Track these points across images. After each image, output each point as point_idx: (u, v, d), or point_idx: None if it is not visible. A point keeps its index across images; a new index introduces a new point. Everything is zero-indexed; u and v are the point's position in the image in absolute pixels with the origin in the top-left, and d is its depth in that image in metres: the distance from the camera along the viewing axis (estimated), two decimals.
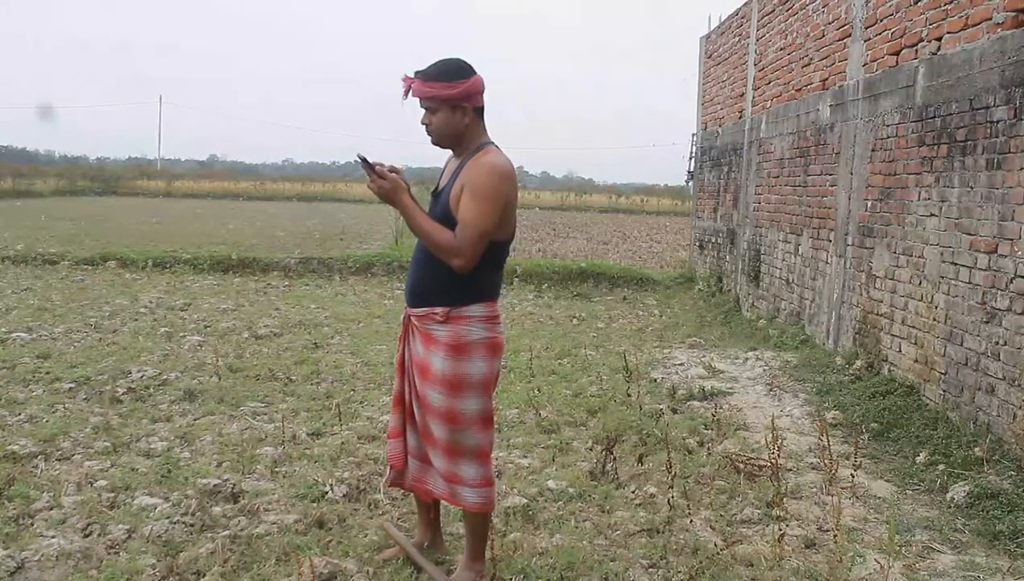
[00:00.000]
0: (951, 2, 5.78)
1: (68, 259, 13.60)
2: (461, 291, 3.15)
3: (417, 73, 3.13)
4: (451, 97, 3.11)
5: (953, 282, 5.58)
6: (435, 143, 3.24)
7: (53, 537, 3.59)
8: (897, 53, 6.65)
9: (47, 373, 6.40)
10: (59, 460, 4.61)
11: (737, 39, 12.23)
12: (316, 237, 19.49)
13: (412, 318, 3.28)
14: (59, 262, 13.43)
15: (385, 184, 3.14)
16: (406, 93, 3.14)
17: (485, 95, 3.22)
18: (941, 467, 4.77)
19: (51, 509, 3.91)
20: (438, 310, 3.15)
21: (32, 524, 3.76)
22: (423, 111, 3.20)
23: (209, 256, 13.93)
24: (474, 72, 3.16)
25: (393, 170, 3.18)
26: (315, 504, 4.08)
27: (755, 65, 11.08)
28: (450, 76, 3.11)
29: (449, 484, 3.25)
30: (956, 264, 5.55)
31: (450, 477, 3.23)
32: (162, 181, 46.26)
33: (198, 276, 13.02)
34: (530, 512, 4.07)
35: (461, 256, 3.05)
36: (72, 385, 6.07)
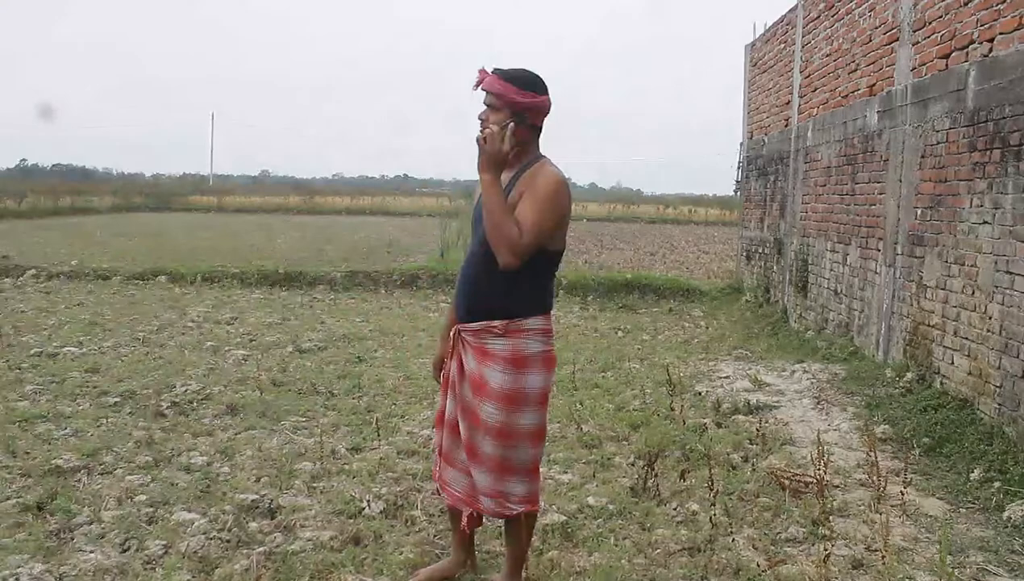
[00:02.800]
0: (1003, 2, 5.61)
1: (120, 274, 13.85)
2: (520, 304, 3.11)
3: (495, 70, 3.12)
4: (518, 104, 3.08)
5: (1008, 292, 5.40)
6: (483, 145, 3.08)
7: (91, 552, 3.61)
8: (947, 56, 6.48)
9: (94, 387, 6.50)
10: (101, 474, 4.65)
11: (782, 46, 12.06)
12: (363, 250, 19.62)
13: (464, 333, 3.22)
14: (111, 277, 13.69)
15: (500, 143, 3.05)
16: (478, 84, 3.12)
17: (547, 119, 3.19)
18: (997, 484, 4.59)
19: (91, 524, 3.95)
20: (496, 323, 3.10)
21: (72, 539, 3.79)
22: (484, 107, 3.15)
23: (256, 270, 14.09)
24: (547, 91, 3.16)
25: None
26: (352, 520, 4.06)
27: (801, 72, 10.91)
28: (525, 84, 3.10)
29: (495, 500, 3.18)
30: (1011, 273, 5.37)
31: (496, 495, 3.17)
32: (214, 197, 47.02)
33: (245, 290, 13.17)
34: (569, 529, 4.01)
35: (516, 254, 2.97)
36: (118, 399, 6.14)
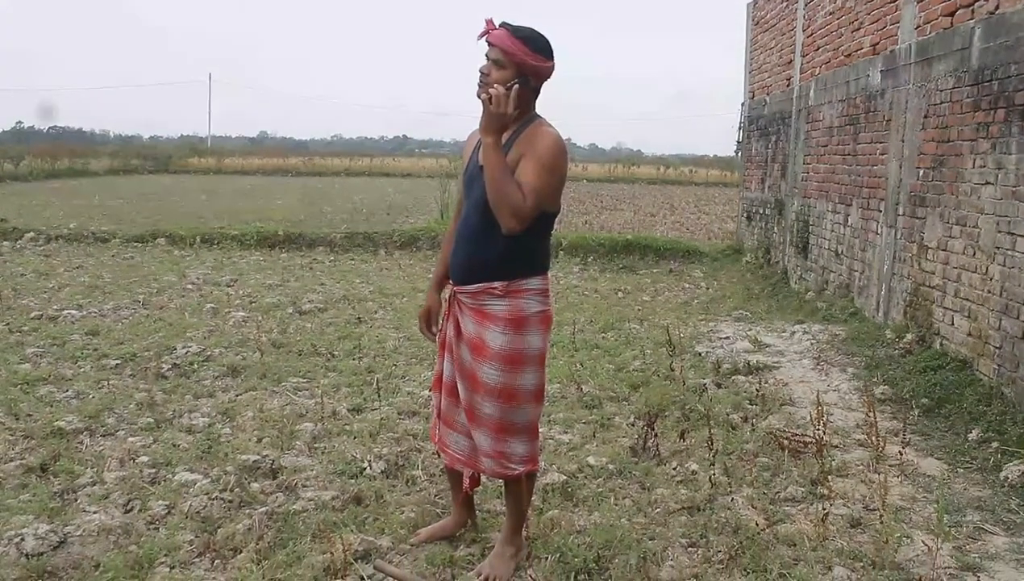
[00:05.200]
0: None
1: (119, 237, 13.82)
2: (520, 264, 3.08)
3: (503, 24, 3.03)
4: (527, 65, 3.01)
5: (1009, 253, 5.38)
6: (487, 105, 2.98)
7: (95, 512, 3.63)
8: (952, 14, 6.40)
9: (95, 350, 6.51)
10: (103, 436, 4.68)
11: (785, 4, 11.92)
12: (363, 212, 19.57)
13: (461, 296, 3.20)
14: (110, 240, 13.66)
15: (505, 105, 2.96)
16: (483, 35, 3.03)
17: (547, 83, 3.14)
18: (995, 445, 4.62)
19: (94, 485, 3.97)
20: (496, 285, 3.07)
21: (76, 499, 3.82)
22: (487, 60, 3.06)
23: (256, 232, 14.05)
24: (553, 56, 3.08)
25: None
26: (353, 480, 4.08)
27: (803, 31, 10.79)
28: (536, 45, 3.02)
29: (496, 461, 3.19)
30: (1013, 234, 5.35)
31: (497, 455, 3.18)
32: (212, 159, 46.72)
33: (245, 252, 13.15)
34: (569, 489, 4.03)
35: (520, 218, 2.94)
36: (119, 361, 6.15)
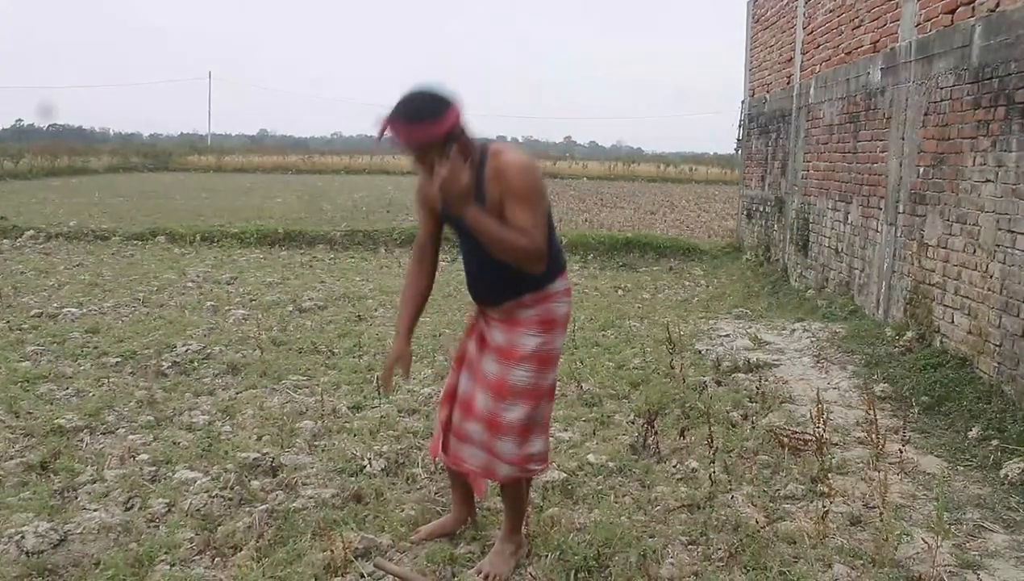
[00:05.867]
0: None
1: (119, 235, 13.81)
2: (545, 272, 3.07)
3: (393, 116, 2.81)
4: (439, 133, 2.81)
5: (1009, 251, 5.38)
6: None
7: (95, 510, 3.64)
8: (952, 12, 6.40)
9: (95, 347, 6.51)
10: (103, 434, 4.68)
11: (785, 2, 11.91)
12: (363, 210, 19.57)
13: (489, 311, 3.19)
14: (110, 238, 13.65)
15: (462, 178, 2.78)
16: (382, 134, 2.83)
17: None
18: (995, 442, 4.62)
19: (94, 482, 3.98)
20: (526, 297, 3.08)
21: (76, 497, 3.82)
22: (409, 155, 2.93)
23: (256, 230, 14.05)
24: (449, 100, 2.85)
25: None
26: (353, 478, 4.08)
27: (804, 29, 10.78)
28: (433, 109, 2.81)
29: (520, 467, 3.19)
30: (1013, 232, 5.35)
31: (521, 461, 3.17)
32: (212, 157, 46.67)
33: (245, 250, 13.15)
34: (569, 487, 4.03)
35: (540, 258, 2.94)
36: (119, 359, 6.15)
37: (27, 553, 3.22)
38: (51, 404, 5.13)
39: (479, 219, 2.87)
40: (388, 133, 2.83)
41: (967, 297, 5.93)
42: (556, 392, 5.44)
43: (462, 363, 3.30)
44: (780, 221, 11.74)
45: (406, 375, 3.28)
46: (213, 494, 3.76)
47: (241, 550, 3.34)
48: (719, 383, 5.94)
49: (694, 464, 4.33)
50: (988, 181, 5.70)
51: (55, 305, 8.14)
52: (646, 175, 41.94)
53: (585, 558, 3.28)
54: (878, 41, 8.05)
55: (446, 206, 2.88)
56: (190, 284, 9.77)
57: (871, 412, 4.54)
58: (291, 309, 8.36)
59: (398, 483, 4.07)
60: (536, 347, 3.10)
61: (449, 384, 3.34)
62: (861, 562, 3.35)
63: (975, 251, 5.85)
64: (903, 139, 7.31)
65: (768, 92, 12.83)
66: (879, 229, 7.83)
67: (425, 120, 2.80)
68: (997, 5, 5.69)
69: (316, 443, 4.59)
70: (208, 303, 8.47)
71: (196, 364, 6.12)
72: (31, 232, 13.70)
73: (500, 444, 3.15)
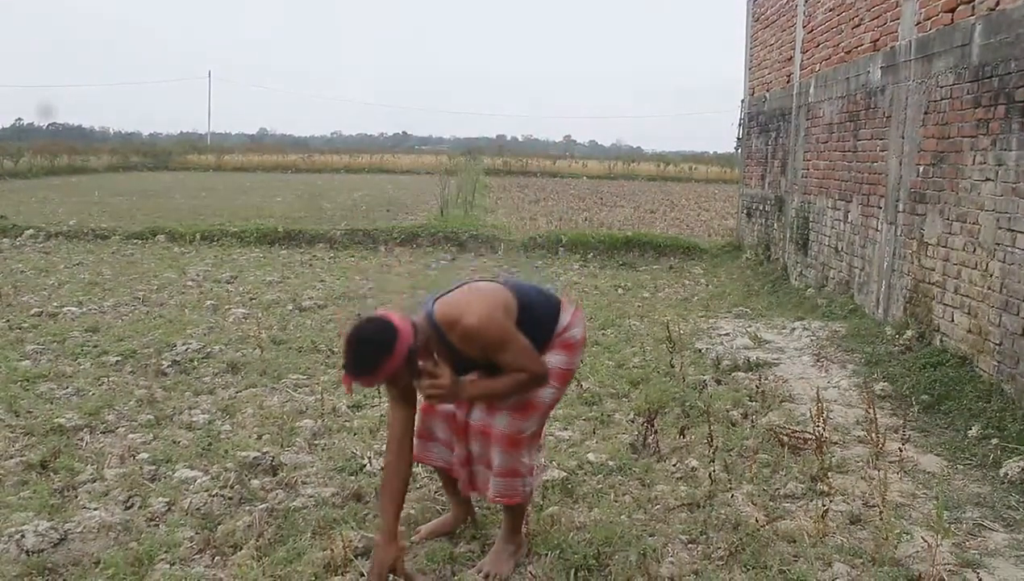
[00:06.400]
0: None
1: (119, 234, 13.81)
2: (543, 331, 3.20)
3: (354, 371, 2.92)
4: (397, 362, 2.90)
5: (1009, 249, 5.38)
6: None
7: (95, 509, 3.64)
8: (952, 10, 6.39)
9: (95, 347, 6.51)
10: (103, 433, 4.68)
11: (785, 0, 11.90)
12: (362, 209, 19.55)
13: None
14: (110, 237, 13.65)
15: (443, 382, 3.02)
16: (350, 388, 3.03)
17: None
18: (994, 441, 4.62)
19: (94, 481, 3.98)
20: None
21: (76, 496, 3.83)
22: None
23: (256, 229, 14.04)
24: (394, 324, 2.93)
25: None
26: (353, 477, 4.09)
27: (804, 27, 10.78)
28: (385, 349, 2.88)
29: (533, 476, 3.30)
30: (1013, 230, 5.35)
31: (531, 471, 3.27)
32: (212, 156, 46.63)
33: (245, 249, 13.14)
34: (569, 486, 4.04)
35: (541, 379, 3.12)
36: (119, 358, 6.15)
37: (27, 552, 3.22)
38: (51, 403, 5.13)
39: (479, 393, 3.13)
40: (360, 384, 2.99)
41: (967, 296, 5.93)
42: None
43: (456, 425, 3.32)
44: (780, 220, 11.74)
45: (402, 573, 3.15)
46: (213, 493, 3.77)
47: (241, 549, 3.34)
48: (719, 382, 5.94)
49: (694, 463, 4.33)
50: (988, 180, 5.70)
51: (55, 304, 8.14)
52: (646, 174, 41.95)
53: (585, 557, 3.28)
54: (878, 40, 8.05)
55: (447, 400, 3.14)
56: (190, 283, 9.77)
57: (871, 411, 4.55)
58: (291, 308, 8.36)
59: None
60: (560, 366, 3.23)
61: (460, 419, 3.30)
62: (861, 561, 3.35)
63: (975, 250, 5.85)
64: (903, 138, 7.31)
65: (768, 91, 12.83)
66: (879, 228, 7.83)
67: (381, 364, 2.90)
68: (997, 4, 5.69)
69: (316, 442, 4.59)
70: (208, 302, 8.47)
71: (196, 363, 6.12)
72: (31, 231, 13.70)
73: (517, 459, 3.20)
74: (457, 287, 3.22)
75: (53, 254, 11.98)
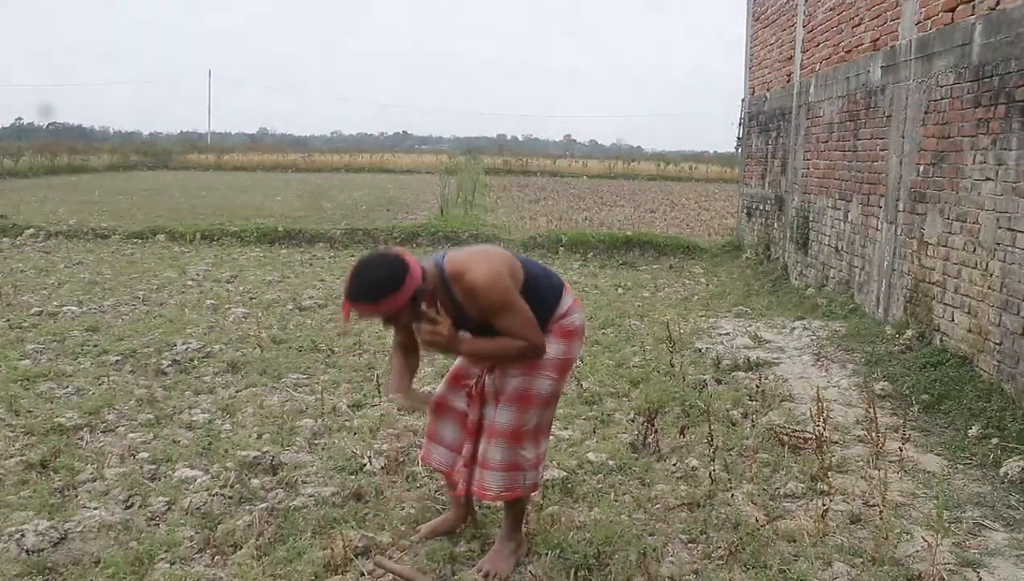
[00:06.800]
0: None
1: (119, 233, 13.81)
2: (545, 310, 3.16)
3: (357, 297, 2.87)
4: (401, 299, 2.86)
5: (1009, 249, 5.38)
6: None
7: (96, 508, 3.64)
8: (953, 10, 6.39)
9: (95, 346, 6.51)
10: (104, 432, 4.68)
11: (785, 0, 11.90)
12: (362, 208, 19.54)
13: None
14: (110, 236, 13.64)
15: (442, 330, 2.95)
16: (348, 317, 2.93)
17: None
18: (994, 441, 4.62)
19: (94, 481, 3.98)
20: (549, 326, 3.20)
21: (76, 495, 3.83)
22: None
23: (256, 228, 14.04)
24: (406, 261, 2.89)
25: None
26: (353, 476, 4.09)
27: (804, 27, 10.78)
28: (394, 282, 2.84)
29: (537, 471, 3.28)
30: (1013, 230, 5.35)
31: (535, 465, 3.26)
32: (212, 155, 46.62)
33: (245, 248, 13.14)
34: (569, 485, 4.04)
35: (538, 349, 3.08)
36: (119, 358, 6.15)
37: (27, 551, 3.22)
38: (51, 402, 5.13)
39: (474, 349, 3.10)
40: (357, 314, 2.92)
41: (967, 295, 5.93)
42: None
43: (481, 397, 3.28)
44: (780, 219, 11.74)
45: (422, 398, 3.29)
46: (213, 492, 3.77)
47: (241, 548, 3.34)
48: (719, 381, 5.94)
49: (694, 462, 4.33)
50: (988, 179, 5.70)
51: (55, 303, 8.14)
52: (646, 173, 41.91)
53: (585, 556, 3.28)
54: (878, 39, 8.05)
55: (441, 350, 3.09)
56: (190, 282, 9.76)
57: (871, 410, 4.55)
58: (291, 307, 8.36)
59: (398, 481, 4.07)
60: (558, 355, 3.20)
61: (473, 419, 3.29)
62: (861, 560, 3.36)
63: (975, 249, 5.85)
64: (903, 137, 7.31)
65: (768, 90, 12.83)
66: (879, 227, 7.83)
67: (387, 296, 2.85)
68: (997, 3, 5.69)
69: (316, 441, 4.59)
70: (208, 301, 8.47)
71: (196, 362, 6.12)
72: (31, 230, 13.70)
73: (522, 453, 3.21)
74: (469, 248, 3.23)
75: (53, 253, 11.98)
